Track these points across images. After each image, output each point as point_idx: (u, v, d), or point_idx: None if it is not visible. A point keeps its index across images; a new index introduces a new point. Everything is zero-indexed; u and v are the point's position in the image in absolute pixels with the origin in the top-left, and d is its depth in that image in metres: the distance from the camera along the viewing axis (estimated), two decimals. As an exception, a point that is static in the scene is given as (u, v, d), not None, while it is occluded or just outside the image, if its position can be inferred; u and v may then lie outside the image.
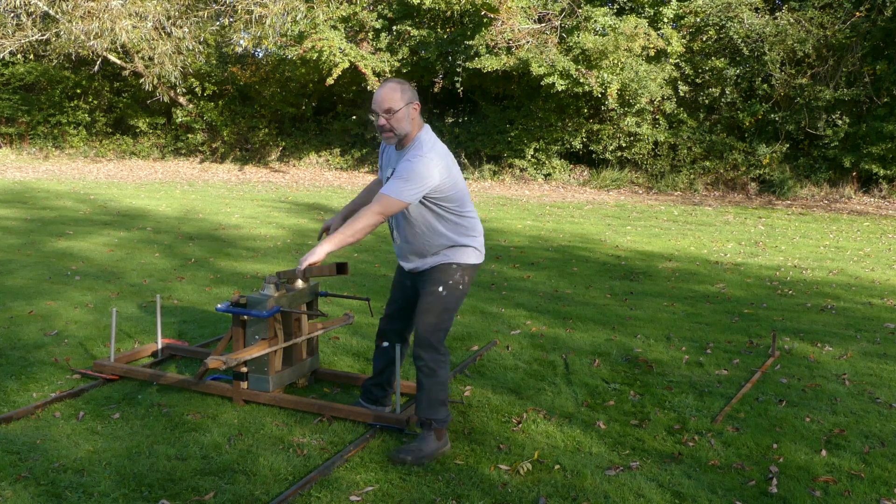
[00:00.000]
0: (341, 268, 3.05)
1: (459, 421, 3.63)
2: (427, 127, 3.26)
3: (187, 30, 17.99)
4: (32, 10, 17.70)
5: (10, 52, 18.58)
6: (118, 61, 18.59)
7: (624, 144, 16.13)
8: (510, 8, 14.74)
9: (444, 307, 3.29)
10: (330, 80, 15.91)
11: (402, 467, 3.14)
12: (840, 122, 14.35)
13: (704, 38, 15.45)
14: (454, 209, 3.26)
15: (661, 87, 15.27)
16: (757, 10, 15.17)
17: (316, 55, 15.83)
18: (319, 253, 3.13)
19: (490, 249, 7.83)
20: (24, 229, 9.27)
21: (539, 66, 14.49)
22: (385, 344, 3.62)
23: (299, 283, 3.90)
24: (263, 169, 19.07)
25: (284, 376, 3.87)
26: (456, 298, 3.33)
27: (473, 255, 3.37)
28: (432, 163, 3.12)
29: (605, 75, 14.41)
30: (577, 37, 14.49)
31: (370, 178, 17.91)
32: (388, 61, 16.75)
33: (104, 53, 17.85)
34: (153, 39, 17.42)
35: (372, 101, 3.21)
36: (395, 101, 3.14)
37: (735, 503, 2.92)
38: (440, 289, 3.28)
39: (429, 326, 3.27)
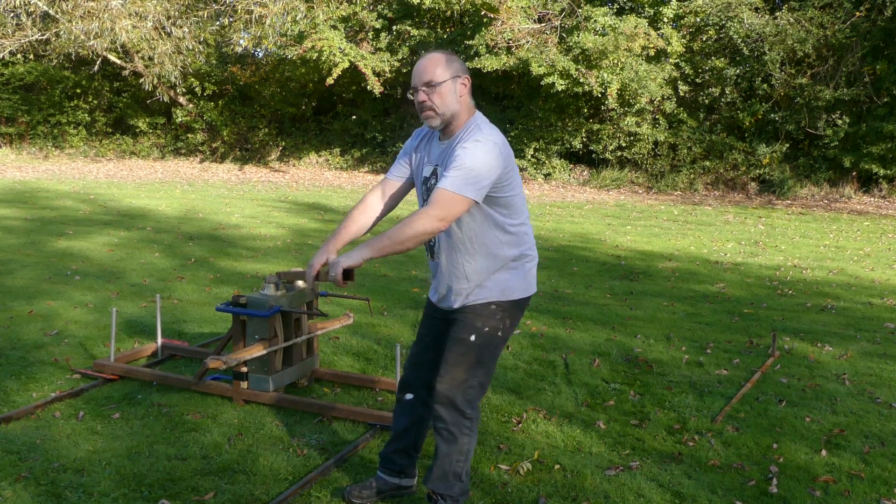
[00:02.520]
0: (347, 274, 2.61)
1: (459, 421, 3.63)
2: (480, 114, 2.64)
3: (187, 30, 18.00)
4: (32, 9, 17.71)
5: (10, 52, 18.59)
6: (118, 61, 18.60)
7: (624, 144, 16.13)
8: (510, 8, 14.75)
9: (476, 360, 2.61)
10: (330, 80, 15.92)
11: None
12: (840, 122, 14.35)
13: (704, 38, 15.45)
14: (511, 222, 2.61)
15: (661, 87, 15.27)
16: (757, 9, 15.18)
17: (316, 55, 15.84)
18: (355, 258, 2.44)
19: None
20: (24, 229, 9.27)
21: (539, 66, 14.49)
22: (409, 396, 2.85)
23: (300, 283, 3.90)
24: (263, 169, 19.07)
25: (285, 376, 3.87)
26: (493, 348, 2.65)
27: (519, 288, 2.66)
28: (497, 148, 2.49)
29: (605, 75, 14.41)
30: (577, 37, 14.50)
31: (370, 178, 17.88)
32: (388, 61, 16.75)
33: (104, 53, 17.86)
34: (153, 39, 17.44)
35: (412, 75, 2.60)
36: (439, 72, 2.52)
37: (735, 503, 2.92)
38: (472, 337, 2.61)
39: (454, 382, 2.60)
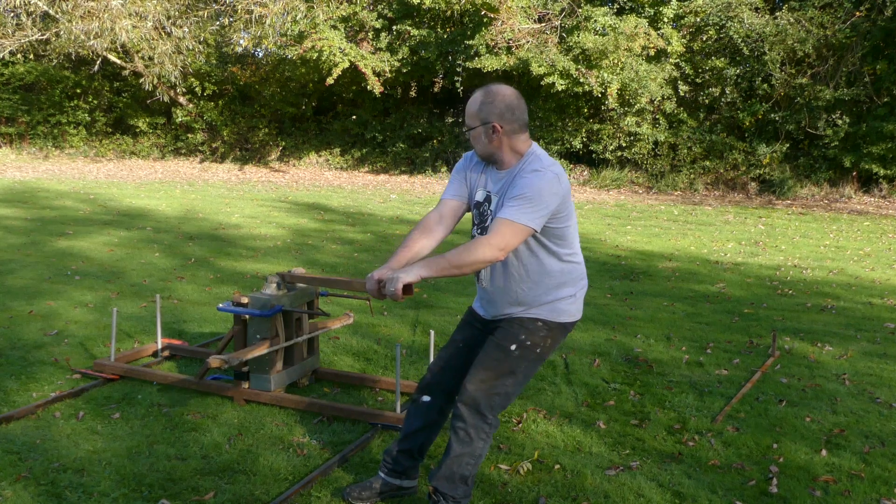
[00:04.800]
0: (406, 289, 2.48)
1: (459, 421, 3.62)
2: (536, 145, 2.66)
3: (187, 29, 18.01)
4: (32, 9, 17.71)
5: (10, 52, 18.59)
6: (118, 61, 18.60)
7: (624, 144, 16.13)
8: (510, 8, 14.75)
9: (509, 369, 2.62)
10: (330, 80, 15.92)
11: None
12: (840, 121, 14.36)
13: (704, 38, 15.46)
14: (564, 252, 2.64)
15: (661, 87, 15.28)
16: (757, 9, 15.18)
17: (316, 55, 15.84)
18: (414, 274, 2.44)
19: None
20: (24, 229, 9.26)
21: (539, 66, 14.49)
22: (426, 399, 2.82)
23: (300, 283, 3.90)
24: (263, 169, 19.07)
25: (286, 376, 3.87)
26: (529, 363, 2.65)
27: (568, 312, 2.69)
28: (556, 179, 2.51)
29: (605, 75, 14.41)
30: (577, 37, 14.50)
31: (370, 177, 17.88)
32: (388, 61, 16.75)
33: (104, 53, 17.85)
34: (153, 39, 17.44)
35: None
36: (470, 118, 2.62)
37: (735, 503, 2.92)
38: (512, 347, 2.63)
39: (482, 385, 2.60)
